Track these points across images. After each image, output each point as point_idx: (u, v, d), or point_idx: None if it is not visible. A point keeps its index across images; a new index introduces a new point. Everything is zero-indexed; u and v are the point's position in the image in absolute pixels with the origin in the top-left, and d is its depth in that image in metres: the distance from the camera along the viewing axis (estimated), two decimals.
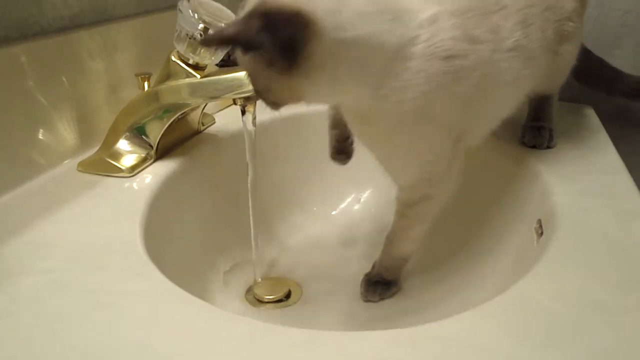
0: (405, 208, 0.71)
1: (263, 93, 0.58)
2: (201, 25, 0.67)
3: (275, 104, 0.59)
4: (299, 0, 0.51)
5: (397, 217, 0.73)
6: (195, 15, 0.67)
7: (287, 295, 0.79)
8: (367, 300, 0.75)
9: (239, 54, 0.58)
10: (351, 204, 0.97)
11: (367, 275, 0.77)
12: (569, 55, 0.79)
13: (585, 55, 0.95)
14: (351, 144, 0.81)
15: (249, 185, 0.74)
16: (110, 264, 0.54)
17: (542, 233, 0.65)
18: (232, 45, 0.54)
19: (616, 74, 1.01)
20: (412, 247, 0.74)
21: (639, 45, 1.02)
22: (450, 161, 0.66)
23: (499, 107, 0.70)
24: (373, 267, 0.77)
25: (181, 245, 0.71)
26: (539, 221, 0.67)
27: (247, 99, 0.69)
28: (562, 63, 0.79)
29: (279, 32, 0.50)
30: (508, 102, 0.71)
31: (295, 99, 0.57)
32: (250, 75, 0.58)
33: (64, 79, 0.72)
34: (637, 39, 1.01)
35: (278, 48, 0.50)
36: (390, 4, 0.56)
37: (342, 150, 0.82)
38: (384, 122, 0.61)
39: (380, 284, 0.75)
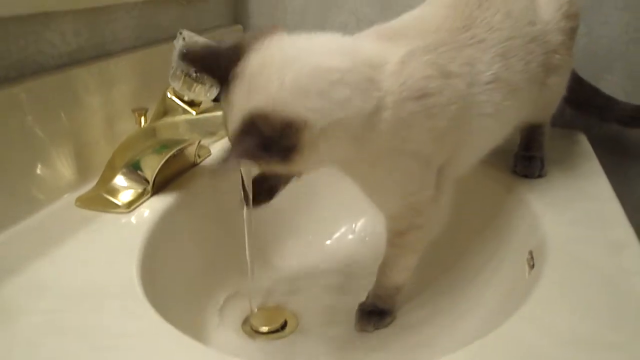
0: (395, 237, 0.72)
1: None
2: None
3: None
4: (287, 107, 0.54)
5: (388, 246, 0.74)
6: None
7: (284, 325, 0.80)
8: (361, 330, 0.76)
9: None
10: (346, 233, 0.98)
11: (361, 305, 0.77)
12: (557, 87, 0.80)
13: (578, 83, 0.97)
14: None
15: (244, 215, 0.75)
16: (107, 305, 0.55)
17: (533, 265, 0.66)
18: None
19: (609, 101, 1.02)
20: (404, 277, 0.75)
21: (629, 70, 1.03)
22: (434, 192, 0.67)
23: (482, 139, 0.71)
24: (367, 297, 0.78)
25: (178, 279, 0.72)
26: (531, 252, 0.68)
27: None
28: (551, 95, 0.80)
29: (275, 146, 0.54)
30: (491, 133, 0.72)
31: (298, 173, 0.64)
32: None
33: (62, 115, 0.73)
34: (626, 64, 1.03)
35: (276, 157, 0.55)
36: (361, 69, 0.59)
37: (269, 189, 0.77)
38: (365, 159, 0.63)
39: (375, 314, 0.76)
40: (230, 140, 0.60)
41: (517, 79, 0.69)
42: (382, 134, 0.59)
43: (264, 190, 0.74)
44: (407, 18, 0.70)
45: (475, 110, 0.66)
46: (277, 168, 0.59)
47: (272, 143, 0.54)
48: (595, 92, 1.02)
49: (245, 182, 0.72)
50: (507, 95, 0.68)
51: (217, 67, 0.59)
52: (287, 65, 0.56)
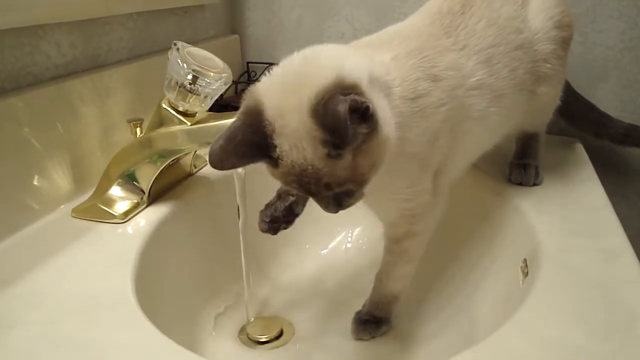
0: (392, 244, 0.73)
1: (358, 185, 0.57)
2: (190, 75, 0.69)
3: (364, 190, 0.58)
4: (332, 71, 0.53)
5: (385, 254, 0.74)
6: (185, 64, 0.69)
7: (280, 335, 0.80)
8: (358, 339, 0.76)
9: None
10: (342, 241, 0.98)
11: (358, 313, 0.77)
12: (548, 97, 0.81)
13: (573, 97, 0.98)
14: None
15: (240, 227, 0.75)
16: (102, 316, 0.55)
17: (527, 273, 0.66)
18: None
19: (604, 118, 1.02)
20: (401, 285, 0.75)
21: (624, 79, 1.03)
22: (431, 197, 0.68)
23: (470, 143, 0.72)
24: (364, 306, 0.78)
25: (174, 289, 0.72)
26: (525, 260, 0.68)
27: None
28: (543, 104, 0.81)
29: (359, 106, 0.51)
30: (479, 138, 0.73)
31: (386, 151, 0.57)
32: (347, 177, 0.55)
33: (58, 126, 0.74)
34: (621, 73, 1.03)
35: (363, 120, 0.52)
36: (360, 53, 0.61)
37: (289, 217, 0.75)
38: (397, 172, 0.63)
39: (371, 323, 0.76)
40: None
41: (502, 85, 0.70)
42: (395, 127, 0.59)
43: (285, 215, 0.73)
44: (393, 29, 0.71)
45: (464, 114, 0.67)
46: (368, 155, 0.54)
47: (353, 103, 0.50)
48: (591, 107, 1.02)
49: (238, 195, 0.73)
50: (493, 100, 0.69)
51: (253, 144, 0.55)
52: (293, 65, 0.57)
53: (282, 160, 0.54)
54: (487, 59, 0.68)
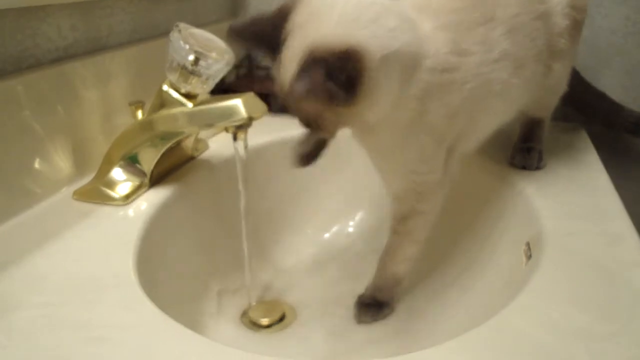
0: (398, 224, 0.73)
1: (322, 132, 0.64)
2: (192, 56, 0.69)
3: (331, 133, 0.64)
4: (344, 36, 0.55)
5: (390, 234, 0.75)
6: (187, 45, 0.68)
7: (282, 318, 0.80)
8: (360, 322, 0.76)
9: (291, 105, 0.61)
10: (344, 226, 0.98)
11: (360, 297, 0.78)
12: (560, 75, 0.80)
13: (583, 85, 0.97)
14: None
15: (241, 211, 0.75)
16: (103, 297, 0.55)
17: (530, 256, 0.66)
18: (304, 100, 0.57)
19: (615, 107, 1.01)
20: (405, 268, 0.75)
21: (628, 65, 1.03)
22: (441, 177, 0.69)
23: (489, 118, 0.73)
24: (366, 289, 0.78)
25: (175, 272, 0.72)
26: (528, 244, 0.68)
27: (239, 127, 0.70)
28: (554, 82, 0.80)
29: (341, 76, 0.54)
30: (498, 113, 0.73)
31: (360, 122, 0.62)
32: (311, 120, 0.61)
33: (59, 109, 0.73)
34: (624, 58, 1.02)
35: (343, 89, 0.54)
36: (403, 8, 0.62)
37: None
38: (387, 131, 0.65)
39: (373, 306, 0.76)
40: (287, 89, 0.58)
41: (523, 55, 0.70)
42: (412, 98, 0.61)
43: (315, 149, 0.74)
44: None
45: (485, 89, 0.66)
46: (343, 115, 0.59)
47: (336, 71, 0.53)
48: (601, 96, 1.01)
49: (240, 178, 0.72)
50: (514, 72, 0.69)
51: (267, 34, 0.60)
52: (333, 6, 0.57)
53: (278, 64, 0.60)
54: (511, 29, 0.68)
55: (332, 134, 0.64)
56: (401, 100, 0.61)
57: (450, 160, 0.69)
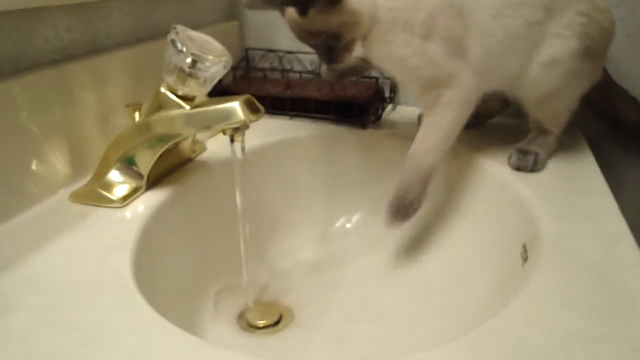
0: (425, 116, 0.80)
1: (336, 40, 0.77)
2: (189, 59, 0.69)
3: (346, 50, 0.79)
4: None
5: (418, 128, 0.80)
6: (184, 48, 0.68)
7: (279, 320, 0.80)
8: (389, 226, 0.79)
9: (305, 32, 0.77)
10: (340, 227, 0.98)
11: (388, 201, 0.79)
12: (556, 71, 0.81)
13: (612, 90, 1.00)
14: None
15: (238, 212, 0.75)
16: (100, 299, 0.55)
17: (527, 258, 0.66)
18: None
19: None
20: (431, 160, 0.78)
21: (623, 67, 1.03)
22: (459, 72, 0.77)
23: (486, 36, 0.78)
24: (393, 192, 0.79)
25: (172, 273, 0.72)
26: (524, 246, 0.68)
27: (236, 129, 0.70)
28: (549, 79, 0.82)
29: None
30: (496, 35, 0.78)
31: (355, 22, 0.75)
32: (321, 28, 0.76)
33: (56, 110, 0.73)
34: (619, 60, 1.03)
35: None
36: None
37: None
38: (380, 39, 0.77)
39: (402, 208, 0.78)
40: None
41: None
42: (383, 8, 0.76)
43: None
44: None
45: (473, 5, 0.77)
46: (341, 16, 0.74)
47: None
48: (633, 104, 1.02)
49: (237, 180, 0.73)
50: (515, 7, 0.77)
51: None
52: None
53: (285, 11, 0.77)
54: None
55: (348, 41, 0.78)
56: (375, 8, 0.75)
57: (466, 65, 0.77)
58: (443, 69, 0.76)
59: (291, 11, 0.76)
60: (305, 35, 0.78)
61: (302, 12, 0.74)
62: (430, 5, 0.75)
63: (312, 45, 0.80)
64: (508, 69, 0.81)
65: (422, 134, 0.79)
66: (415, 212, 0.79)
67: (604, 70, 0.96)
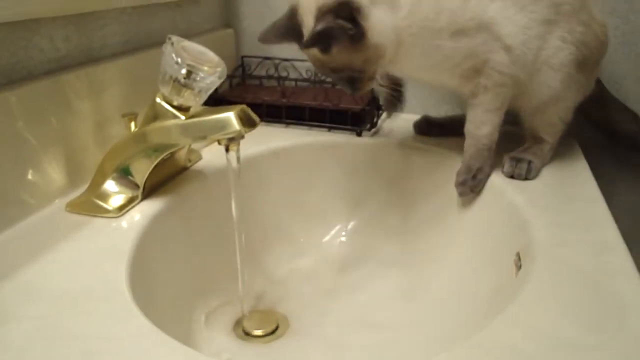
0: (470, 100, 0.83)
1: (360, 73, 0.78)
2: (184, 70, 0.69)
3: (370, 79, 0.80)
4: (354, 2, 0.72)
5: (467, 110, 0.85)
6: (179, 59, 0.69)
7: (276, 329, 0.80)
8: (461, 194, 0.84)
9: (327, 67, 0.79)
10: (336, 235, 0.99)
11: (457, 174, 0.84)
12: (555, 74, 0.83)
13: (609, 103, 1.01)
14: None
15: (234, 221, 0.76)
16: (96, 310, 0.55)
17: (521, 266, 0.66)
18: (324, 37, 0.73)
19: None
20: (487, 129, 0.83)
21: (617, 75, 1.04)
22: (486, 56, 0.79)
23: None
24: (461, 165, 0.84)
25: (168, 282, 0.72)
26: (518, 254, 0.68)
27: (231, 139, 0.71)
28: (549, 81, 0.83)
29: (344, 13, 0.71)
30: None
31: (379, 55, 0.77)
32: (344, 65, 0.77)
33: (52, 120, 0.74)
34: (613, 67, 1.03)
35: (350, 22, 0.71)
36: None
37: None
38: (409, 54, 0.79)
39: (469, 179, 0.83)
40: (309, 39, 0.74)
41: None
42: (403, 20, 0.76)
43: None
44: None
45: None
46: (363, 52, 0.75)
47: (340, 12, 0.71)
48: (631, 118, 1.03)
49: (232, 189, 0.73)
50: None
51: (287, 29, 0.77)
52: None
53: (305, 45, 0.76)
54: None
55: (371, 73, 0.79)
56: (397, 24, 0.75)
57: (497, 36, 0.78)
58: (478, 57, 0.79)
59: (311, 50, 0.77)
60: (328, 71, 0.79)
61: (325, 50, 0.76)
62: (450, 4, 0.77)
63: (334, 78, 0.81)
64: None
65: (472, 114, 0.84)
66: (485, 179, 0.84)
67: (599, 82, 0.96)
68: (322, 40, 0.74)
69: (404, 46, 0.77)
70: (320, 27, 0.71)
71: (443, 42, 0.77)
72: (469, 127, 0.84)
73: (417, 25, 0.76)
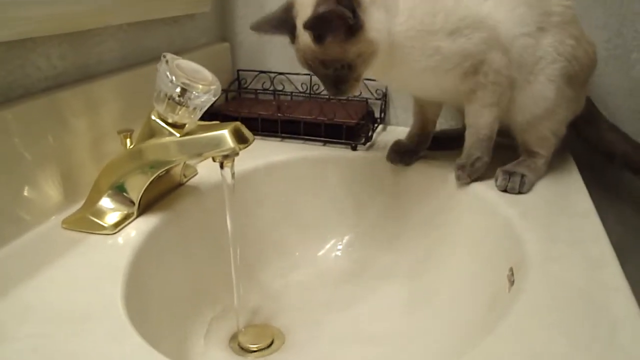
0: (468, 97, 0.85)
1: (349, 70, 0.78)
2: (179, 88, 0.70)
3: (356, 80, 0.79)
4: None
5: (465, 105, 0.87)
6: (173, 77, 0.69)
7: (271, 343, 0.80)
8: (460, 181, 0.87)
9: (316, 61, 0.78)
10: (332, 249, 0.99)
11: (456, 161, 0.88)
12: (545, 86, 0.85)
13: (592, 122, 1.02)
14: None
15: (229, 236, 0.76)
16: (91, 328, 0.55)
17: (514, 281, 0.67)
18: (323, 21, 0.73)
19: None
20: (486, 119, 0.85)
21: (608, 86, 1.04)
22: (483, 57, 0.81)
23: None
24: (460, 157, 0.88)
25: (164, 299, 0.73)
26: (511, 269, 0.69)
27: (226, 156, 0.71)
28: (539, 94, 0.85)
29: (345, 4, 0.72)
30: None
31: (372, 51, 0.77)
32: (335, 58, 0.76)
33: (48, 137, 0.74)
34: (606, 80, 1.04)
35: (350, 10, 0.72)
36: None
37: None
38: (407, 57, 0.80)
39: (468, 164, 0.86)
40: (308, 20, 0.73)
41: None
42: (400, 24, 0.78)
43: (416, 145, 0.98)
44: None
45: None
46: (357, 44, 0.75)
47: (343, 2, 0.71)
48: (621, 138, 1.03)
49: (227, 204, 0.73)
50: None
51: (281, 20, 0.79)
52: None
53: (297, 38, 0.78)
54: None
55: (359, 71, 0.78)
56: (395, 28, 0.77)
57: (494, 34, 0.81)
58: (475, 57, 0.80)
59: (305, 39, 0.77)
60: (317, 64, 0.78)
61: (319, 39, 0.75)
62: (444, 5, 0.79)
63: (321, 75, 0.80)
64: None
65: (470, 108, 0.86)
66: (483, 167, 0.87)
67: (589, 99, 0.97)
68: (320, 25, 0.73)
69: (398, 52, 0.79)
70: (322, 8, 0.71)
71: (441, 42, 0.79)
72: (469, 119, 0.87)
73: (415, 29, 0.78)
